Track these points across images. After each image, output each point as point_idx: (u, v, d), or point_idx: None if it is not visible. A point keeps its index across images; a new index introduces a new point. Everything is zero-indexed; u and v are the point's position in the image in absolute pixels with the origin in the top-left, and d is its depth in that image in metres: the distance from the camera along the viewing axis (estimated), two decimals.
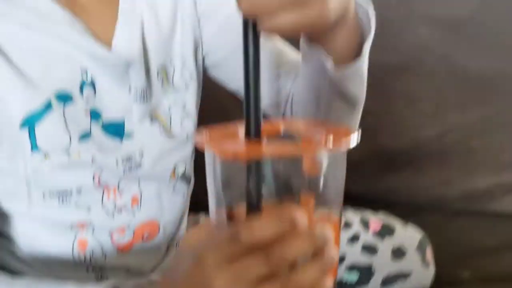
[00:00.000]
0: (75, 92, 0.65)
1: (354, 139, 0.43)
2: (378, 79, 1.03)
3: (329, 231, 0.41)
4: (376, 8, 1.12)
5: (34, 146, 0.63)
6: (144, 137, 0.70)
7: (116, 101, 0.68)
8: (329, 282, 0.41)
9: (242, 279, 0.38)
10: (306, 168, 0.46)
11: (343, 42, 0.60)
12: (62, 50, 0.65)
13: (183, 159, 0.75)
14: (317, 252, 0.40)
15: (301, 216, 0.38)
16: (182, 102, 0.73)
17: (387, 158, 1.24)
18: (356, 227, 0.84)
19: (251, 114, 0.42)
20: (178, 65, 0.73)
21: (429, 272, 0.83)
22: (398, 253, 0.81)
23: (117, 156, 0.68)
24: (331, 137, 0.44)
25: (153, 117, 0.71)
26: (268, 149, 0.44)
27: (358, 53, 0.62)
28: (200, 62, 0.78)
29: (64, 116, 0.65)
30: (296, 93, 0.77)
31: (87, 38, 0.65)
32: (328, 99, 0.68)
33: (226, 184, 0.48)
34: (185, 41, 0.75)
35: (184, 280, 0.42)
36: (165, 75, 0.73)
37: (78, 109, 0.65)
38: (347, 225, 0.85)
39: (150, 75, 0.70)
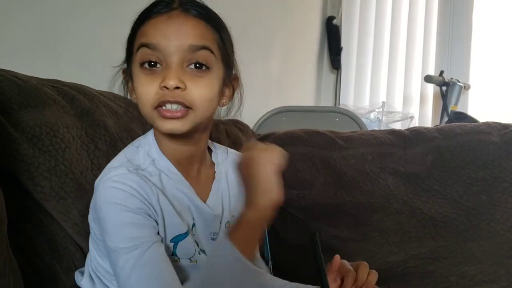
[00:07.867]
0: (190, 228, 0.85)
1: None
2: (359, 215, 1.28)
3: None
4: (358, 162, 1.44)
5: (174, 253, 0.83)
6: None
7: (203, 239, 0.87)
8: None
9: None
10: None
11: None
12: (184, 201, 0.86)
13: None
14: None
15: None
16: None
17: None
18: None
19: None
20: None
21: None
22: None
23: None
24: None
25: None
26: None
27: None
28: None
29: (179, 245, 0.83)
30: None
31: (195, 196, 0.86)
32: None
33: None
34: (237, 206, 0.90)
35: None
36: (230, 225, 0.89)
37: (189, 241, 0.83)
38: None
39: (221, 225, 0.89)
